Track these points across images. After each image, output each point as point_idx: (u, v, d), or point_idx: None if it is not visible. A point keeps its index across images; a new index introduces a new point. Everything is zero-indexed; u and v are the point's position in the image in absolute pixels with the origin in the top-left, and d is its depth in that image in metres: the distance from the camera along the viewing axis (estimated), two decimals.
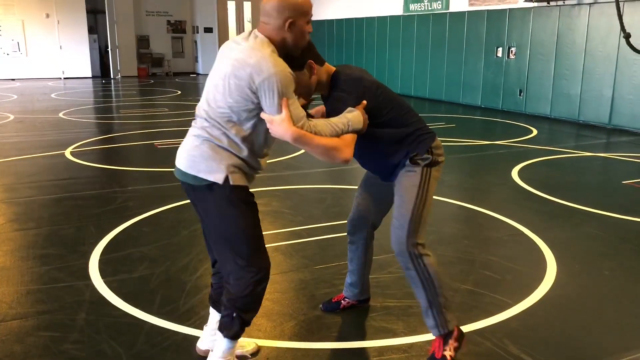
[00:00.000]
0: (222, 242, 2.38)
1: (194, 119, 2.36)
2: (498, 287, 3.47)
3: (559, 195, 5.41)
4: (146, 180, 5.96)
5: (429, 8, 13.09)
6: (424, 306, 2.57)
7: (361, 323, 3.05)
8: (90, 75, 19.60)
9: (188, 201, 5.09)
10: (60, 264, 3.77)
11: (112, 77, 19.49)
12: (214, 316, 2.68)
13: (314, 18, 19.66)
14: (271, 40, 2.23)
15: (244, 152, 2.28)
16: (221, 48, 2.36)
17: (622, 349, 2.78)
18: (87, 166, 6.60)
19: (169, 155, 7.29)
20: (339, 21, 16.77)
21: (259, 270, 2.40)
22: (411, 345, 2.81)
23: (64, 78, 18.91)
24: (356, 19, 15.87)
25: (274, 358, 2.71)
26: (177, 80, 19.20)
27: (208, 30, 21.07)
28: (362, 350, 2.80)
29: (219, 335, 2.45)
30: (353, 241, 2.99)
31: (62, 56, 18.93)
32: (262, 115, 2.21)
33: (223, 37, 21.36)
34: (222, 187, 2.25)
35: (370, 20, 15.27)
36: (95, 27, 20.43)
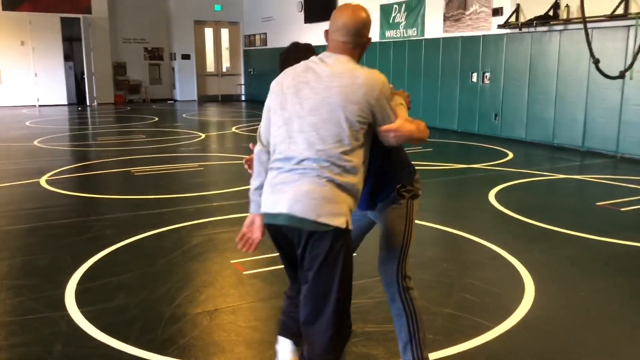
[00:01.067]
0: (325, 294, 2.12)
1: (290, 164, 2.13)
2: (478, 310, 3.49)
3: (535, 217, 5.48)
4: (123, 208, 5.89)
5: (405, 35, 13.33)
6: (404, 340, 2.54)
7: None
8: (66, 103, 19.44)
9: (166, 229, 5.09)
10: (36, 295, 3.69)
11: (88, 104, 19.36)
12: (286, 346, 2.50)
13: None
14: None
15: (360, 186, 2.17)
16: (287, 84, 2.21)
17: None
18: (63, 194, 6.51)
19: (146, 182, 7.24)
20: (317, 48, 16.91)
21: (350, 326, 2.33)
22: None
23: (39, 105, 18.73)
24: None
25: None
26: (154, 107, 19.14)
27: (186, 57, 21.12)
28: None
29: None
30: None
31: (37, 83, 18.78)
32: (383, 128, 2.15)
33: (200, 64, 21.43)
34: (343, 232, 2.09)
35: None
36: (71, 55, 20.33)
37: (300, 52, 2.65)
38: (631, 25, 8.51)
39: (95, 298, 3.65)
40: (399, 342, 2.58)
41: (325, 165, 2.08)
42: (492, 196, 6.35)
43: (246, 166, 2.64)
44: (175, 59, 21.22)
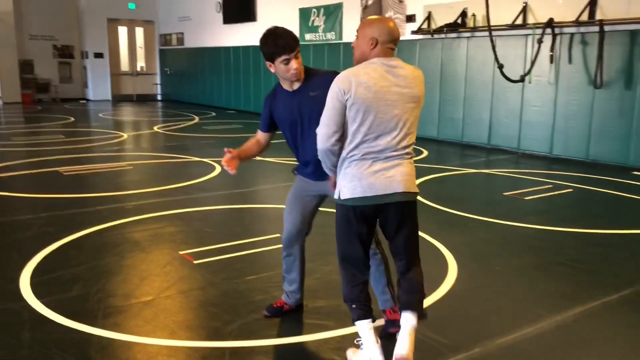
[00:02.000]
0: (416, 239, 2.82)
1: (385, 154, 2.63)
2: None
3: (451, 206, 6.08)
4: (60, 207, 5.91)
5: (324, 38, 13.84)
6: (383, 283, 3.10)
7: (298, 321, 3.39)
8: None
9: (108, 225, 5.22)
10: None
11: None
12: (367, 324, 2.72)
13: (215, 45, 19.55)
14: None
15: None
16: (370, 89, 2.55)
17: (512, 327, 3.34)
18: None
19: (78, 181, 7.23)
20: (236, 48, 17.14)
21: None
22: (343, 336, 3.19)
23: None
24: (253, 46, 16.32)
25: (215, 357, 2.98)
26: (66, 106, 18.53)
27: (99, 55, 20.56)
28: (302, 344, 3.14)
29: (412, 317, 2.69)
30: (291, 253, 3.33)
31: None
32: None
33: (114, 63, 20.95)
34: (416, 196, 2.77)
35: None
36: None
37: (282, 37, 2.94)
38: (529, 34, 9.45)
39: (52, 289, 3.78)
40: (378, 287, 3.14)
41: (409, 152, 2.71)
42: None
43: (226, 166, 3.00)
44: (87, 57, 20.61)
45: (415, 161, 8.47)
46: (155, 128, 13.03)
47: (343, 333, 3.23)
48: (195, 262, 4.33)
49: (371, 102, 2.57)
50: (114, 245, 4.73)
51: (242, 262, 4.34)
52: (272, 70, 3.02)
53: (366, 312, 2.75)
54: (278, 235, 4.88)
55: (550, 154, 9.49)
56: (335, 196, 2.72)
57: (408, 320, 2.68)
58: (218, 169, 7.89)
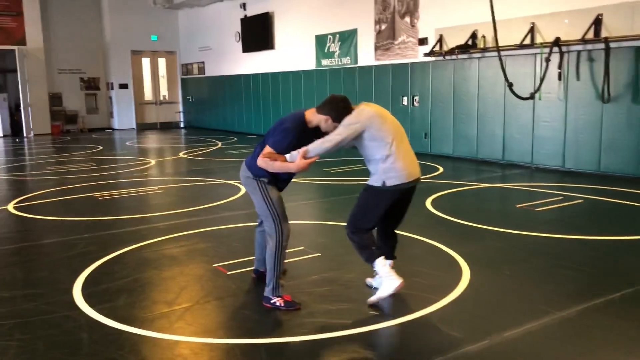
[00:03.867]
0: None
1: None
2: (426, 289, 4.31)
3: (466, 218, 6.42)
4: (100, 228, 6.37)
5: (340, 63, 14.36)
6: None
7: (324, 321, 3.76)
8: (1, 135, 19.23)
9: (145, 243, 5.66)
10: (47, 300, 4.20)
11: (24, 135, 19.23)
12: (384, 261, 3.96)
13: (235, 72, 20.19)
14: None
15: None
16: (376, 112, 3.93)
17: (519, 322, 3.67)
18: (36, 219, 6.92)
19: (113, 205, 7.72)
20: (255, 75, 17.75)
21: None
22: (363, 333, 3.55)
23: None
24: (272, 73, 16.92)
25: (253, 351, 3.35)
26: (93, 136, 19.26)
27: (123, 86, 21.37)
28: (329, 339, 3.51)
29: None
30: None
31: None
32: None
33: (138, 93, 21.72)
34: None
35: (285, 74, 16.36)
36: (4, 86, 20.17)
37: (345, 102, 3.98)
38: (537, 53, 9.82)
39: (102, 299, 4.20)
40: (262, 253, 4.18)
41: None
42: (428, 203, 7.28)
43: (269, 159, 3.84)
44: (112, 89, 21.41)
45: (432, 177, 9.02)
46: (181, 154, 13.58)
47: (364, 330, 3.59)
48: (228, 273, 4.74)
49: (382, 123, 3.98)
50: (152, 261, 5.15)
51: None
52: (324, 124, 3.88)
53: (381, 252, 3.97)
54: (302, 247, 5.29)
55: (562, 168, 9.78)
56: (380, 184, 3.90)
57: (390, 263, 4.10)
58: (242, 190, 8.33)
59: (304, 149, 3.76)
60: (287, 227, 4.00)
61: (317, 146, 3.78)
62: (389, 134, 3.87)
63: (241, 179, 4.09)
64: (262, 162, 3.83)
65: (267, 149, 3.85)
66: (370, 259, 3.94)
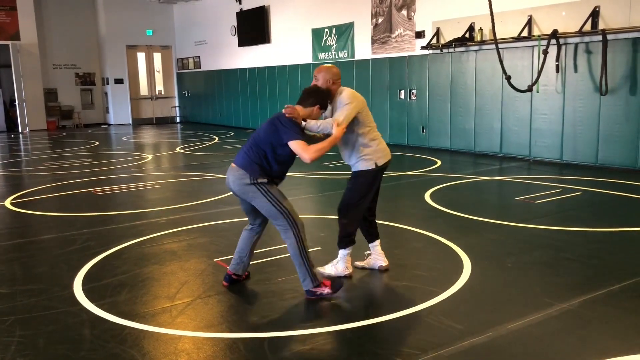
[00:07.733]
0: None
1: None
2: (428, 281, 4.32)
3: (465, 211, 6.42)
4: (98, 223, 6.35)
5: (337, 57, 14.32)
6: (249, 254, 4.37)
7: (328, 314, 3.75)
8: None
9: (144, 238, 5.66)
10: (48, 296, 4.18)
11: (20, 131, 19.15)
12: (375, 244, 4.58)
13: (231, 67, 20.23)
14: None
15: None
16: (362, 98, 4.23)
17: (521, 314, 3.68)
18: (34, 214, 6.88)
19: (111, 200, 7.69)
20: (252, 70, 17.70)
21: None
22: (368, 326, 3.55)
23: None
24: (268, 67, 16.87)
25: (256, 345, 3.35)
26: (89, 131, 19.20)
27: (119, 81, 21.28)
28: (332, 332, 3.51)
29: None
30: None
31: None
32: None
33: (134, 87, 21.64)
34: None
35: (281, 68, 16.32)
36: None
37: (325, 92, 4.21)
38: (534, 46, 9.81)
39: (103, 294, 4.19)
40: (248, 249, 4.33)
41: None
42: (427, 197, 7.28)
43: (290, 110, 3.99)
44: (108, 84, 21.33)
45: (430, 170, 9.03)
46: (177, 149, 13.54)
47: (367, 323, 3.59)
48: (229, 267, 4.71)
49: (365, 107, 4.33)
50: (153, 256, 5.14)
51: (271, 267, 4.72)
52: (315, 112, 4.08)
53: (372, 237, 4.57)
54: None
55: (560, 160, 9.80)
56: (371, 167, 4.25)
57: (378, 244, 4.59)
58: None
59: (334, 118, 4.04)
60: (299, 219, 4.01)
61: (341, 114, 4.06)
62: (372, 118, 4.33)
63: (234, 187, 3.98)
64: (315, 155, 3.83)
65: (298, 144, 3.84)
66: (348, 245, 4.39)
